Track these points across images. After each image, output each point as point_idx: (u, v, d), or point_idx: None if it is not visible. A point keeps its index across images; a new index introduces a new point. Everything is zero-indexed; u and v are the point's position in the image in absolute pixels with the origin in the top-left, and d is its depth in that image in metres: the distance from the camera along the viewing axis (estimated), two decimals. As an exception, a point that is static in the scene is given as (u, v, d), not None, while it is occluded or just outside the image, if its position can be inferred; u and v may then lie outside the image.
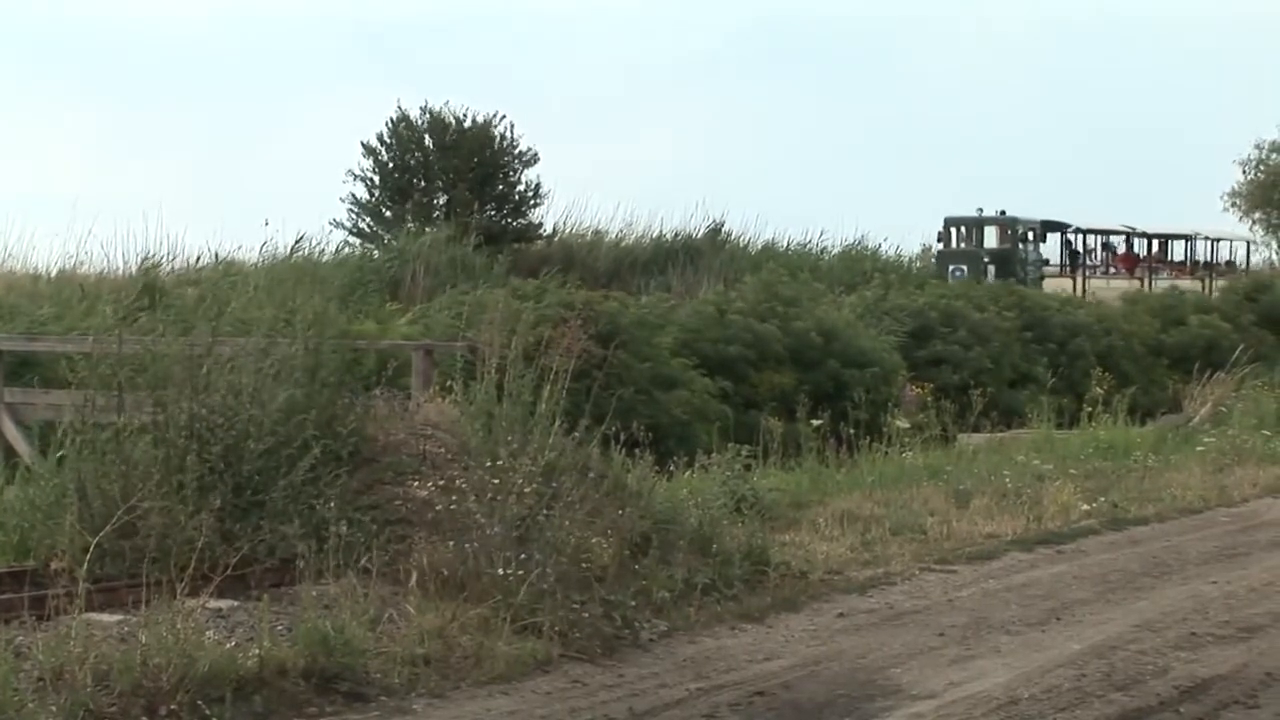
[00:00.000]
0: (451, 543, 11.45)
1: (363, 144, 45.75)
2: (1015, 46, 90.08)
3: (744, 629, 12.15)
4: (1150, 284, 51.15)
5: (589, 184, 73.42)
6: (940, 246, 51.34)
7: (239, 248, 33.67)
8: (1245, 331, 37.88)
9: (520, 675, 10.43)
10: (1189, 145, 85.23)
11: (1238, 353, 29.74)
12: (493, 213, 45.05)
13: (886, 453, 20.03)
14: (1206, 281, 53.35)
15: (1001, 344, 33.30)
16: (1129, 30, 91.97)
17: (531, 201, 46.48)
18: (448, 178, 45.56)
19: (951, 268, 48.09)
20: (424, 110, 46.06)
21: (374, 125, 46.16)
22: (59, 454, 12.34)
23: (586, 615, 11.20)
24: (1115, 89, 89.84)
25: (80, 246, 32.42)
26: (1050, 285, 47.72)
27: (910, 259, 51.78)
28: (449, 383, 14.76)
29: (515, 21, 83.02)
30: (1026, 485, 18.41)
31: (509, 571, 11.12)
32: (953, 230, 51.17)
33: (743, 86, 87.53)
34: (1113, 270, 54.42)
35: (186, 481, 11.65)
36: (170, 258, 31.87)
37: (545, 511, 11.85)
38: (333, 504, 11.68)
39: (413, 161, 45.89)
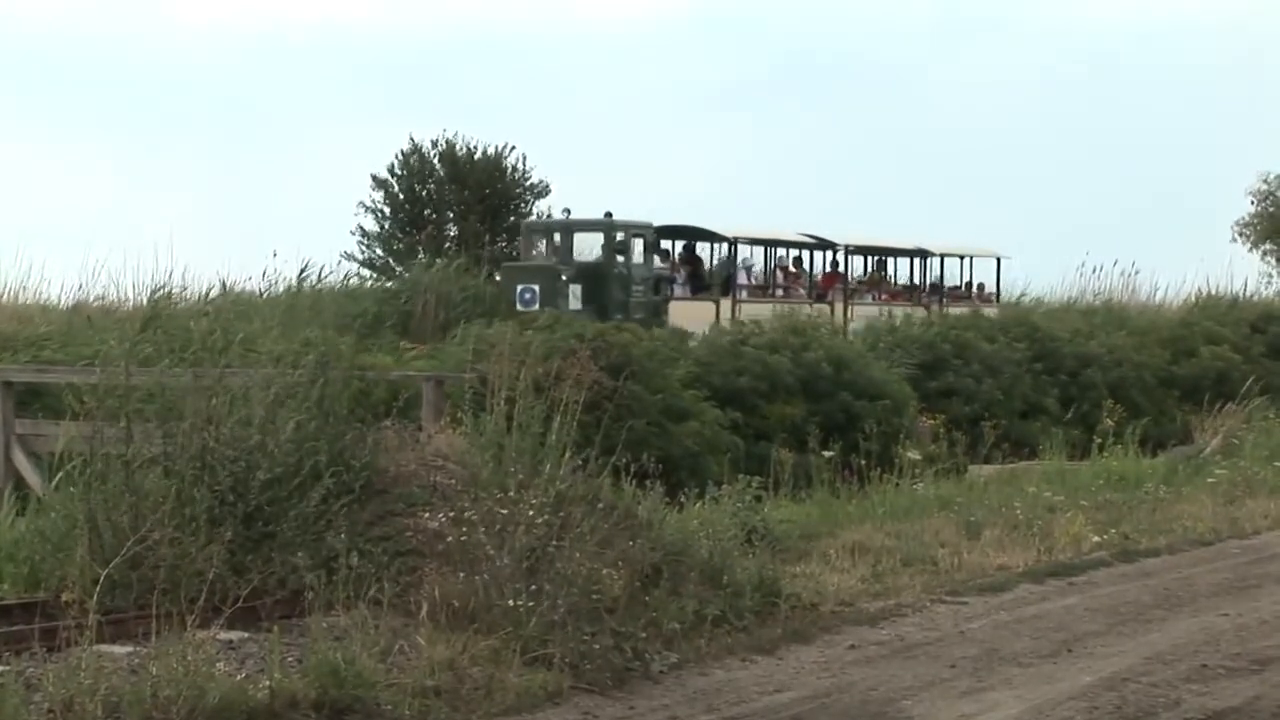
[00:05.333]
0: (462, 574, 11.46)
1: (373, 176, 45.80)
2: (1028, 82, 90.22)
3: (755, 661, 12.13)
4: (846, 313, 38.26)
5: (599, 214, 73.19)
6: (519, 260, 37.51)
7: (248, 279, 33.58)
8: (1256, 363, 37.76)
9: (531, 707, 10.43)
10: (1196, 175, 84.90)
11: (1249, 384, 29.67)
12: (504, 244, 45.05)
13: (897, 484, 19.98)
14: (934, 309, 39.26)
15: (1012, 375, 33.23)
16: (1130, 56, 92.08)
17: (544, 234, 46.44)
18: (459, 209, 45.58)
19: (520, 288, 34.16)
20: (435, 143, 46.13)
21: (385, 157, 46.10)
22: (68, 485, 12.34)
23: (597, 647, 11.18)
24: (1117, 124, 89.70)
25: (92, 278, 32.35)
26: (683, 313, 34.53)
27: None
28: (459, 414, 14.76)
29: (527, 53, 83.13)
30: (1038, 517, 18.37)
31: (519, 603, 11.12)
32: (536, 240, 37.14)
33: (752, 117, 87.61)
34: (780, 293, 39.08)
35: (196, 513, 11.66)
36: (180, 289, 31.81)
37: (555, 543, 11.84)
38: (343, 535, 11.70)
39: (424, 193, 45.94)
